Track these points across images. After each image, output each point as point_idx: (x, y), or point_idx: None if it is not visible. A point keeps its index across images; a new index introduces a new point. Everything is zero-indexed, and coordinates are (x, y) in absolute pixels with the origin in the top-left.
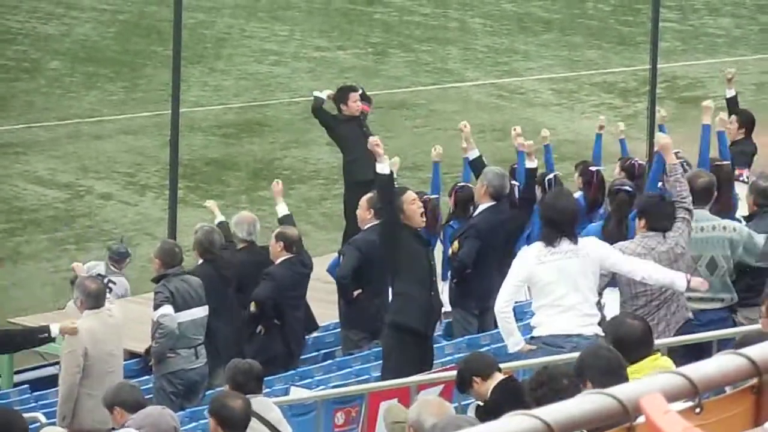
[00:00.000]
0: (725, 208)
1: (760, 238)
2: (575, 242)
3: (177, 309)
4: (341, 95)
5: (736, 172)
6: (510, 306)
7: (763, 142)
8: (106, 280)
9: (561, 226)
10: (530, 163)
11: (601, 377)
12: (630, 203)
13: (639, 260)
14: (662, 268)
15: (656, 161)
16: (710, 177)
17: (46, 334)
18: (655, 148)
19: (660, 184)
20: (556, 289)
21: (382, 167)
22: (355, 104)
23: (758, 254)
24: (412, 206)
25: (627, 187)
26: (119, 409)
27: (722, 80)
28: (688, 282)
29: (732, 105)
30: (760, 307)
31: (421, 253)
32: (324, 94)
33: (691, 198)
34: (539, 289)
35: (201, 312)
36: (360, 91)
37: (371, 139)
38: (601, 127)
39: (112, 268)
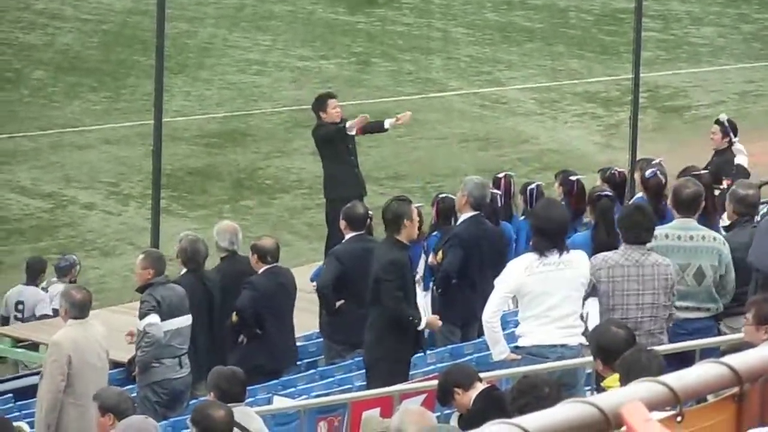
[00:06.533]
0: (712, 216)
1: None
2: (567, 252)
3: (163, 318)
4: (319, 103)
5: (724, 182)
6: (498, 316)
7: (747, 150)
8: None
9: (552, 236)
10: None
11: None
12: (613, 208)
13: (595, 308)
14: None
15: None
16: (698, 186)
17: None
18: None
19: (640, 194)
20: (547, 299)
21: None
22: (334, 111)
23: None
24: (416, 218)
25: (607, 192)
26: (112, 417)
27: (705, 90)
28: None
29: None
30: (745, 314)
31: (406, 267)
32: (353, 131)
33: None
34: (529, 300)
35: (186, 321)
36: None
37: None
38: None
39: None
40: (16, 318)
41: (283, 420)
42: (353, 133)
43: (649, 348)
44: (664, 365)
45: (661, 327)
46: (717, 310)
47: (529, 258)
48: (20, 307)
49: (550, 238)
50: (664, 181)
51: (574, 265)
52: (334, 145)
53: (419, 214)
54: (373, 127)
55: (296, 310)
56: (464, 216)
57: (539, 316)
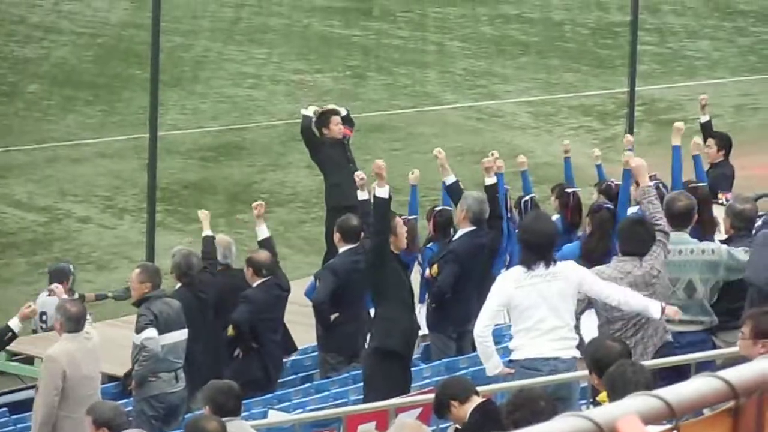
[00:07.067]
0: (708, 229)
1: (740, 254)
2: (554, 265)
3: (160, 332)
4: (322, 119)
5: (720, 195)
6: (489, 330)
7: (741, 164)
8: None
9: (540, 249)
10: (489, 180)
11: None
12: (611, 220)
13: (615, 286)
14: (637, 296)
15: (624, 181)
16: (690, 200)
17: (10, 334)
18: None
19: (635, 207)
20: (536, 312)
21: (382, 191)
22: (336, 127)
23: (742, 269)
24: (402, 231)
25: (608, 205)
26: (107, 431)
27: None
28: (663, 309)
29: (706, 130)
30: (741, 329)
31: (403, 276)
32: (310, 111)
33: (665, 220)
34: (519, 313)
35: (182, 335)
36: (342, 114)
37: (377, 161)
38: (567, 151)
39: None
40: (41, 329)
41: None
42: (339, 135)
43: (634, 362)
44: (651, 379)
45: (662, 325)
46: (711, 323)
47: (517, 271)
48: (44, 317)
49: (537, 251)
50: (664, 193)
51: (563, 276)
52: (330, 158)
53: (407, 224)
54: (346, 120)
55: (292, 324)
56: (462, 230)
57: (530, 330)
